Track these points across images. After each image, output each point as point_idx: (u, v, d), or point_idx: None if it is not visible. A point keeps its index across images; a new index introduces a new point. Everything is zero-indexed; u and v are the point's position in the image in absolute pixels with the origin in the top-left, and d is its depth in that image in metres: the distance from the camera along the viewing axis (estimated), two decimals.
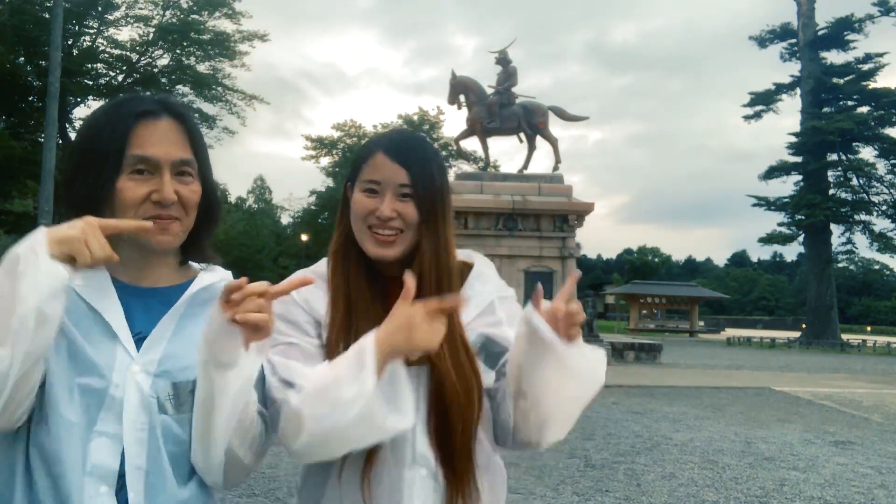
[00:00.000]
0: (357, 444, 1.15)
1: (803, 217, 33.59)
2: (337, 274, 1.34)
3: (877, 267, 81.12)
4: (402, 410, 1.13)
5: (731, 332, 45.74)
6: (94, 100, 26.71)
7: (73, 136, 25.81)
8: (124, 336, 1.14)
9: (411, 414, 1.14)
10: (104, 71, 27.76)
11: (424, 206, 1.29)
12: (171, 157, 1.17)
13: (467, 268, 1.41)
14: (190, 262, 1.31)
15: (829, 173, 35.46)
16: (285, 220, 64.27)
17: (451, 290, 1.31)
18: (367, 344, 1.11)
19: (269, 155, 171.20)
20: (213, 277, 1.29)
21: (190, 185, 1.20)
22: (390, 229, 1.29)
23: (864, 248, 65.52)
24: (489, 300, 1.37)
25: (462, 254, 1.46)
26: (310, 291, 1.33)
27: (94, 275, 1.17)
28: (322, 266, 1.39)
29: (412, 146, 1.32)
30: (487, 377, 1.32)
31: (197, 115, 28.56)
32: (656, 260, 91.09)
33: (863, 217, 34.97)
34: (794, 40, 37.68)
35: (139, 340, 1.15)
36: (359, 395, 1.08)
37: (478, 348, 1.32)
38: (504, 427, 1.31)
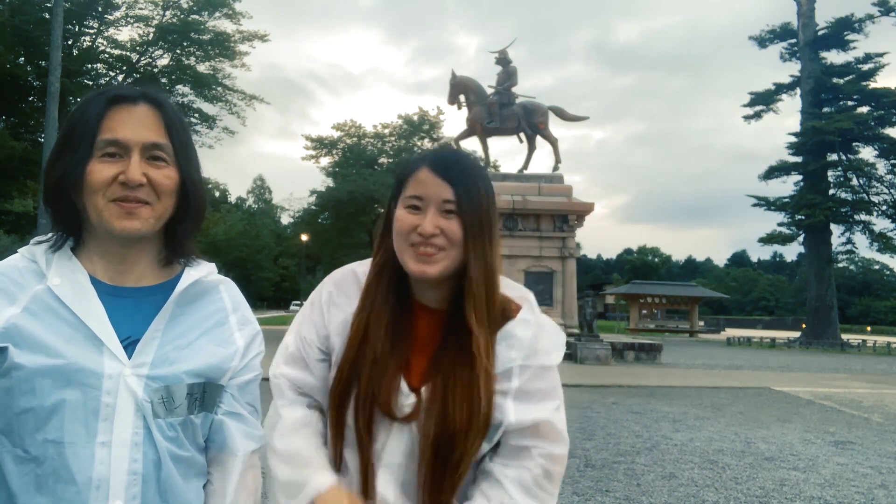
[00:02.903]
0: None
1: (803, 217, 33.56)
2: (366, 304, 1.31)
3: (877, 267, 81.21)
4: None
5: (731, 332, 45.74)
6: None
7: None
8: (111, 342, 1.10)
9: None
10: (104, 71, 27.75)
11: (470, 224, 1.24)
12: (140, 139, 1.14)
13: (503, 318, 1.30)
14: (174, 260, 1.26)
15: (829, 173, 35.43)
16: (285, 220, 64.36)
17: (493, 322, 1.27)
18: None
19: (273, 155, 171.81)
20: (199, 273, 1.25)
21: (162, 169, 1.16)
22: (433, 246, 1.24)
23: (864, 248, 65.72)
24: (508, 367, 1.27)
25: (510, 286, 1.37)
26: (342, 296, 1.35)
27: (71, 274, 1.15)
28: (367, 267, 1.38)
29: (459, 162, 1.28)
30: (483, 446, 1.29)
31: (197, 115, 28.57)
32: (656, 260, 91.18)
33: (863, 217, 34.95)
34: (794, 40, 37.66)
35: (128, 345, 1.12)
36: None
37: None
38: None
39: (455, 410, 1.21)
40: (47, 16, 21.33)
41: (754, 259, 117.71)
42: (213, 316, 1.24)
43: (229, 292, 1.30)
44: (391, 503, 1.25)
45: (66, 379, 1.06)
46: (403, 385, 1.26)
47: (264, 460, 1.29)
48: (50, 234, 1.20)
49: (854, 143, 34.92)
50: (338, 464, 1.29)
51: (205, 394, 1.18)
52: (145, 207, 1.15)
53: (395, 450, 1.26)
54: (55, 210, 1.18)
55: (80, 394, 1.06)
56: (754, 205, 36.64)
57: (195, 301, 1.23)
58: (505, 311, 1.30)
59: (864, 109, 35.06)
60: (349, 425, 1.27)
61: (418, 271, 1.25)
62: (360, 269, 1.38)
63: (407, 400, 1.26)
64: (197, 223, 1.25)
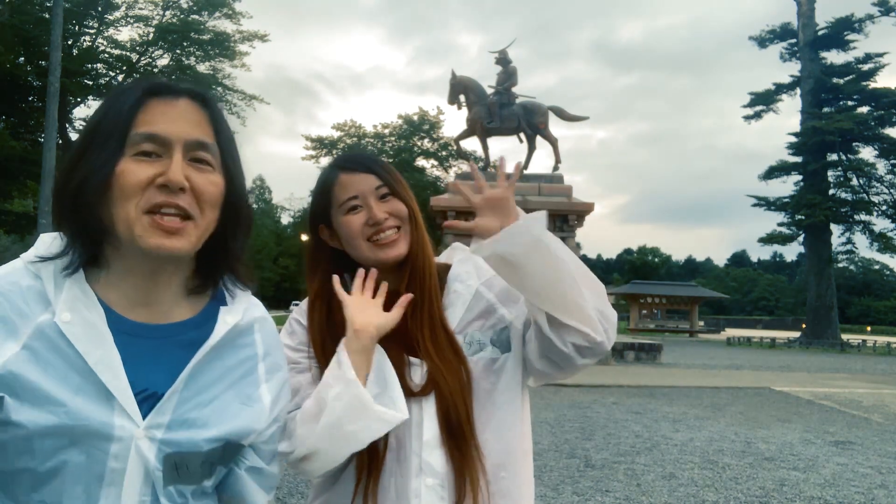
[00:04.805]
0: (354, 440, 1.16)
1: (803, 217, 33.61)
2: (314, 326, 1.31)
3: (877, 267, 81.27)
4: (394, 400, 1.17)
5: (731, 332, 45.83)
6: (94, 100, 26.80)
7: (73, 136, 25.84)
8: (124, 398, 0.92)
9: (402, 405, 1.17)
10: (104, 71, 27.76)
11: (407, 200, 1.33)
12: (184, 135, 0.95)
13: (445, 272, 1.40)
14: (204, 289, 1.06)
15: (829, 173, 35.48)
16: (285, 220, 64.44)
17: (436, 283, 1.35)
18: (340, 347, 1.20)
19: (276, 155, 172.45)
20: (235, 317, 1.05)
21: (207, 174, 0.96)
22: (389, 229, 1.30)
23: (864, 248, 65.76)
24: (472, 293, 1.36)
25: (443, 255, 1.47)
26: (297, 324, 1.36)
27: (84, 310, 0.94)
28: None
29: (364, 155, 1.35)
30: (504, 355, 1.33)
31: None
32: (656, 260, 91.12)
33: (863, 217, 35.00)
34: (794, 40, 37.70)
35: (144, 399, 0.94)
36: (343, 390, 1.14)
37: (480, 347, 1.32)
38: (540, 356, 1.30)
39: (433, 363, 1.26)
40: (47, 16, 21.32)
41: (754, 259, 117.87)
42: (241, 365, 1.05)
43: (263, 334, 1.11)
44: (432, 463, 1.24)
45: (70, 439, 0.89)
46: (411, 359, 1.28)
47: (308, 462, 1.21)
48: (56, 240, 1.00)
49: (854, 143, 34.95)
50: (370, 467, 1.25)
51: (224, 453, 1.01)
52: (188, 223, 0.95)
53: (430, 422, 1.25)
54: (73, 224, 0.96)
55: (84, 456, 0.90)
56: (754, 205, 36.70)
57: (230, 349, 1.04)
58: (441, 269, 1.41)
59: (864, 109, 35.12)
60: None
61: (388, 256, 1.30)
62: (295, 311, 1.40)
63: (418, 372, 1.27)
64: (244, 239, 1.06)
